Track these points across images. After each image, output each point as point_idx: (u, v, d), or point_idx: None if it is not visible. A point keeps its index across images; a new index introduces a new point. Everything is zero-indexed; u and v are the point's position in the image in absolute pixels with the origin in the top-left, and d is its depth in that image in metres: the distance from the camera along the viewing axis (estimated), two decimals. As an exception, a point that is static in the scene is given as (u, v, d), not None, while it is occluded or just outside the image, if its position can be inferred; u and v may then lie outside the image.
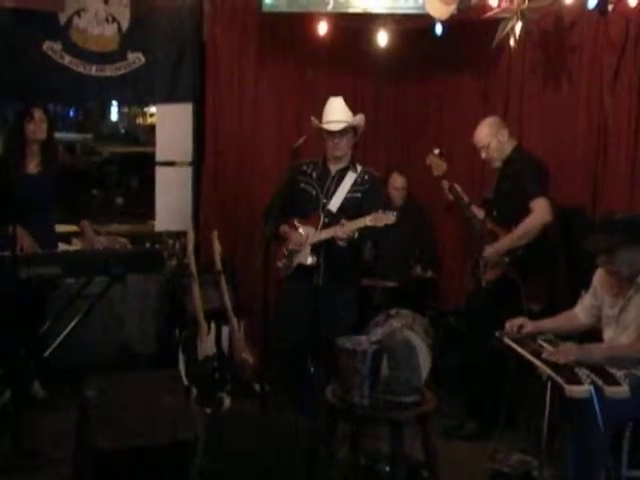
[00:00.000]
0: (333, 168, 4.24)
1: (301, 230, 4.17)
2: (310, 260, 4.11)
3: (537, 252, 4.08)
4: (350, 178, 4.20)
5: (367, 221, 3.93)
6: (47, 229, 4.44)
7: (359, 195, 4.18)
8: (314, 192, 4.22)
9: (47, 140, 4.39)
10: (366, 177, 4.22)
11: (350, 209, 4.14)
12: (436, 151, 4.49)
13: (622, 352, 3.20)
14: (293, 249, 4.18)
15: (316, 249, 4.08)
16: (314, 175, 4.25)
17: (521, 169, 4.14)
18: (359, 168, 4.25)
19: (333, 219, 4.11)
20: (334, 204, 4.17)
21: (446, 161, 4.45)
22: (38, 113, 4.32)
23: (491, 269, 4.21)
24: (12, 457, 3.67)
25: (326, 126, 4.14)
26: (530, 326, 3.46)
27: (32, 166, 4.37)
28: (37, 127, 4.31)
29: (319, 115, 4.21)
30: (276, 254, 4.25)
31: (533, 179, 4.08)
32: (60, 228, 4.71)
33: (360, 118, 4.22)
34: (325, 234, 4.05)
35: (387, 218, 3.89)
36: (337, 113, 4.19)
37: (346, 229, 3.95)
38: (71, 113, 7.98)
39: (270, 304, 3.62)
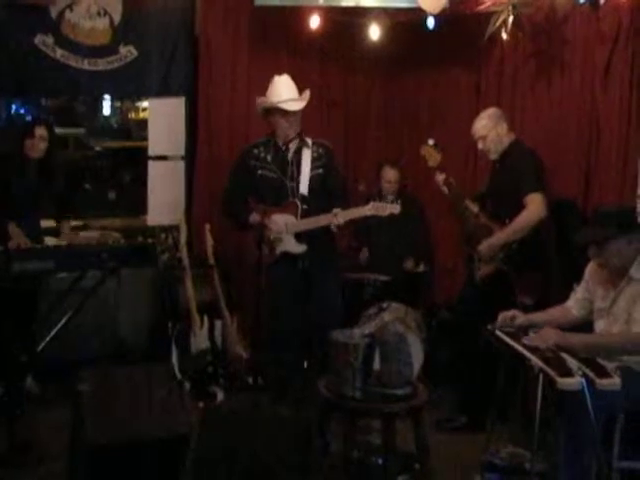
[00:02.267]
0: (288, 149, 4.22)
1: (278, 218, 4.15)
2: (299, 248, 4.14)
3: (531, 246, 4.09)
4: (307, 155, 4.21)
5: (366, 211, 3.95)
6: (33, 224, 4.46)
7: (320, 171, 4.22)
8: (275, 175, 4.20)
9: (45, 158, 4.39)
10: (320, 150, 4.24)
11: (317, 187, 4.19)
12: (431, 142, 4.48)
13: (599, 340, 3.24)
14: (275, 237, 4.16)
15: (301, 237, 4.10)
16: (268, 158, 4.23)
17: (518, 163, 4.13)
18: (309, 142, 4.24)
19: (309, 204, 4.14)
20: (303, 188, 4.17)
21: (441, 152, 4.43)
22: (40, 131, 4.33)
23: (485, 264, 4.21)
24: (6, 452, 3.67)
25: (284, 105, 4.12)
26: (522, 318, 3.47)
27: (28, 177, 4.39)
28: (35, 146, 4.32)
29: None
30: (252, 243, 4.25)
31: (530, 174, 4.08)
32: (48, 223, 4.72)
33: (308, 94, 4.23)
34: (309, 224, 4.08)
35: (392, 207, 3.93)
36: (291, 91, 4.19)
37: (340, 219, 3.96)
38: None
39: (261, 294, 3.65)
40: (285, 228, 4.15)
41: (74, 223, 4.90)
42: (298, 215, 4.15)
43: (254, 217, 4.21)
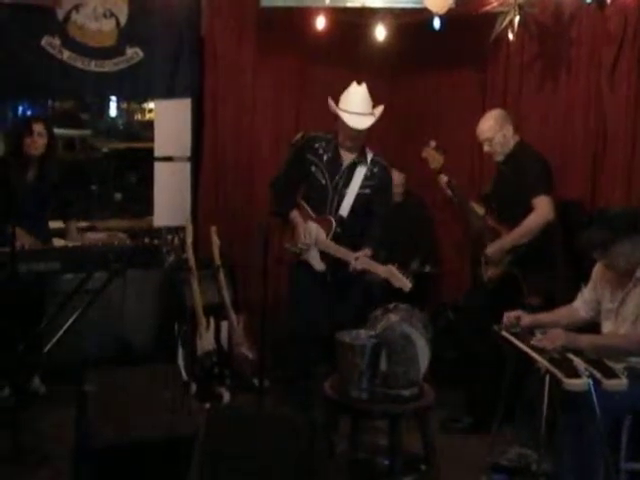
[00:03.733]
0: (345, 157, 4.12)
1: (312, 228, 4.09)
2: (319, 267, 4.10)
3: (539, 248, 4.08)
4: (360, 172, 4.10)
5: (381, 272, 3.88)
6: (41, 226, 4.47)
7: (368, 191, 4.11)
8: (323, 181, 4.11)
9: (45, 154, 4.40)
10: (375, 170, 4.13)
11: (359, 207, 4.09)
12: (432, 144, 4.46)
13: (607, 341, 3.23)
14: (302, 247, 4.11)
15: (325, 256, 4.08)
16: (324, 158, 4.12)
17: (524, 166, 4.12)
18: (369, 157, 4.13)
19: (344, 229, 4.07)
20: (345, 208, 4.08)
21: (443, 154, 4.42)
22: (38, 127, 4.33)
23: (492, 267, 4.20)
24: (12, 452, 3.68)
25: (348, 119, 3.99)
26: (527, 318, 3.47)
27: (30, 175, 4.41)
28: (34, 143, 4.32)
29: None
30: (282, 236, 4.24)
31: (537, 176, 4.06)
32: (56, 224, 4.73)
33: (381, 110, 4.10)
34: (334, 251, 4.01)
35: (403, 283, 3.81)
36: (362, 104, 4.05)
37: (359, 265, 3.91)
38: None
39: (272, 294, 3.65)
40: (314, 241, 4.09)
41: (82, 224, 4.91)
42: (330, 235, 4.06)
43: (296, 216, 4.15)
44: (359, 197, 4.09)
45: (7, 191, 4.22)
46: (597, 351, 3.13)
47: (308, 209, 4.15)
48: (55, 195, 4.53)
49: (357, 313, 4.05)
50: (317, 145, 4.15)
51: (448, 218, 5.28)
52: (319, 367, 4.17)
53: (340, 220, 4.08)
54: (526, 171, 4.09)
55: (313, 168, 4.13)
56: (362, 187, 4.10)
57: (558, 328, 3.29)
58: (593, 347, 3.15)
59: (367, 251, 3.95)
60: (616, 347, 3.18)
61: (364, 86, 4.11)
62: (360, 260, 3.91)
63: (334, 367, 3.49)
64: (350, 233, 4.07)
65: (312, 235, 4.08)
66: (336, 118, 4.07)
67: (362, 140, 4.11)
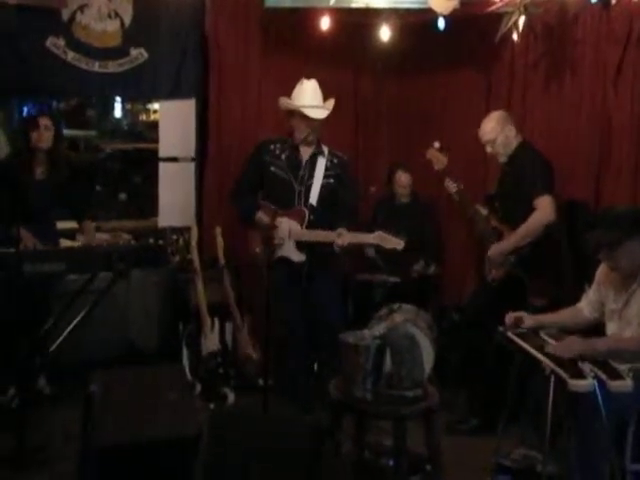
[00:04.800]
0: (304, 152, 4.22)
1: (283, 223, 4.12)
2: (298, 258, 4.13)
3: (543, 249, 4.07)
4: (321, 163, 4.21)
5: (371, 239, 3.94)
6: (49, 229, 4.47)
7: (332, 181, 4.21)
8: (286, 177, 4.19)
9: (53, 148, 4.39)
10: (335, 160, 4.24)
11: (326, 196, 4.18)
12: (436, 145, 4.46)
13: (625, 345, 3.20)
14: (277, 242, 4.13)
15: (302, 246, 4.10)
16: (283, 157, 4.22)
17: (526, 166, 4.12)
18: (326, 151, 4.25)
19: (317, 215, 4.13)
20: (313, 196, 4.16)
21: (447, 155, 4.43)
22: (44, 121, 4.33)
23: (496, 268, 4.20)
24: (18, 452, 3.68)
25: (307, 111, 4.13)
26: (529, 320, 3.46)
27: (38, 172, 4.41)
28: (41, 136, 4.32)
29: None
30: (252, 240, 4.28)
31: (538, 176, 4.06)
32: (65, 225, 4.74)
33: (332, 102, 4.26)
34: (314, 237, 4.07)
35: (396, 242, 3.90)
36: (316, 97, 4.21)
37: (345, 240, 3.95)
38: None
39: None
40: (289, 234, 4.13)
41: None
42: (304, 224, 4.13)
43: (262, 216, 4.19)
44: (325, 187, 4.19)
45: (14, 193, 4.23)
46: (614, 356, 3.11)
47: (273, 207, 4.14)
48: (65, 192, 4.51)
49: (339, 302, 4.26)
50: (272, 147, 4.26)
51: (452, 219, 5.28)
52: (312, 364, 4.22)
53: (311, 208, 4.15)
54: (527, 171, 4.09)
55: (272, 168, 4.21)
56: (325, 177, 4.20)
57: (573, 336, 3.26)
58: (610, 353, 3.12)
59: (344, 228, 4.00)
60: (634, 351, 3.15)
61: (314, 81, 4.26)
62: (343, 235, 3.96)
63: (334, 368, 3.49)
64: (322, 221, 4.13)
65: (284, 229, 4.11)
66: (289, 116, 4.22)
67: (318, 132, 4.21)
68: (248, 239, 4.36)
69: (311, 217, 4.14)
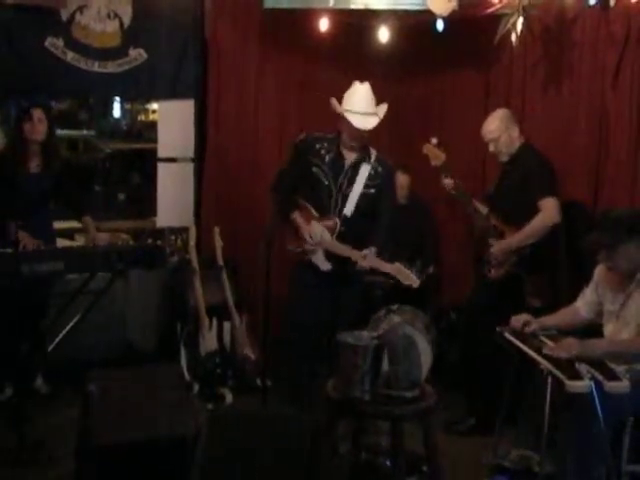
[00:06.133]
0: (347, 157, 4.07)
1: (317, 229, 4.04)
2: (325, 267, 4.08)
3: (544, 250, 4.08)
4: (364, 171, 4.06)
5: (389, 268, 3.85)
6: (45, 225, 4.43)
7: (372, 191, 4.07)
8: (326, 182, 4.07)
9: (46, 140, 4.35)
10: (379, 169, 4.08)
11: (364, 207, 4.06)
12: (434, 141, 4.44)
13: (623, 347, 3.21)
14: (309, 248, 4.08)
15: (330, 255, 4.07)
16: (327, 159, 4.07)
17: (530, 167, 4.12)
18: (373, 156, 4.09)
19: (348, 229, 4.04)
20: (349, 208, 4.05)
21: (444, 151, 4.42)
22: (37, 114, 4.27)
23: (497, 267, 4.20)
24: (16, 452, 3.68)
25: (353, 119, 3.94)
26: (535, 324, 3.47)
27: (32, 165, 4.35)
28: (34, 128, 4.25)
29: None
30: (285, 238, 4.20)
31: (542, 178, 4.07)
32: (63, 224, 4.73)
33: (385, 109, 4.06)
34: (341, 250, 3.99)
35: (412, 280, 3.80)
36: (366, 103, 4.00)
37: (367, 264, 3.90)
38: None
39: (274, 295, 3.65)
40: (320, 242, 4.05)
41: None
42: (334, 235, 4.03)
43: (296, 216, 4.11)
44: (363, 197, 4.06)
45: (9, 189, 4.20)
46: (611, 357, 3.12)
47: (311, 209, 4.12)
48: (61, 187, 4.48)
49: (356, 314, 4.06)
50: (318, 146, 4.10)
51: (451, 219, 5.29)
52: (318, 367, 4.19)
53: (345, 219, 4.05)
54: (531, 173, 4.09)
55: (315, 169, 4.09)
56: (366, 187, 4.06)
57: (570, 337, 3.27)
58: (608, 354, 3.13)
59: (373, 249, 3.94)
60: (633, 353, 3.15)
61: (367, 85, 4.06)
62: (368, 258, 3.90)
63: (333, 368, 3.50)
64: (353, 233, 4.04)
65: (318, 236, 4.04)
66: (339, 118, 4.04)
67: (366, 139, 4.07)
68: (284, 234, 4.24)
69: (342, 228, 4.03)
